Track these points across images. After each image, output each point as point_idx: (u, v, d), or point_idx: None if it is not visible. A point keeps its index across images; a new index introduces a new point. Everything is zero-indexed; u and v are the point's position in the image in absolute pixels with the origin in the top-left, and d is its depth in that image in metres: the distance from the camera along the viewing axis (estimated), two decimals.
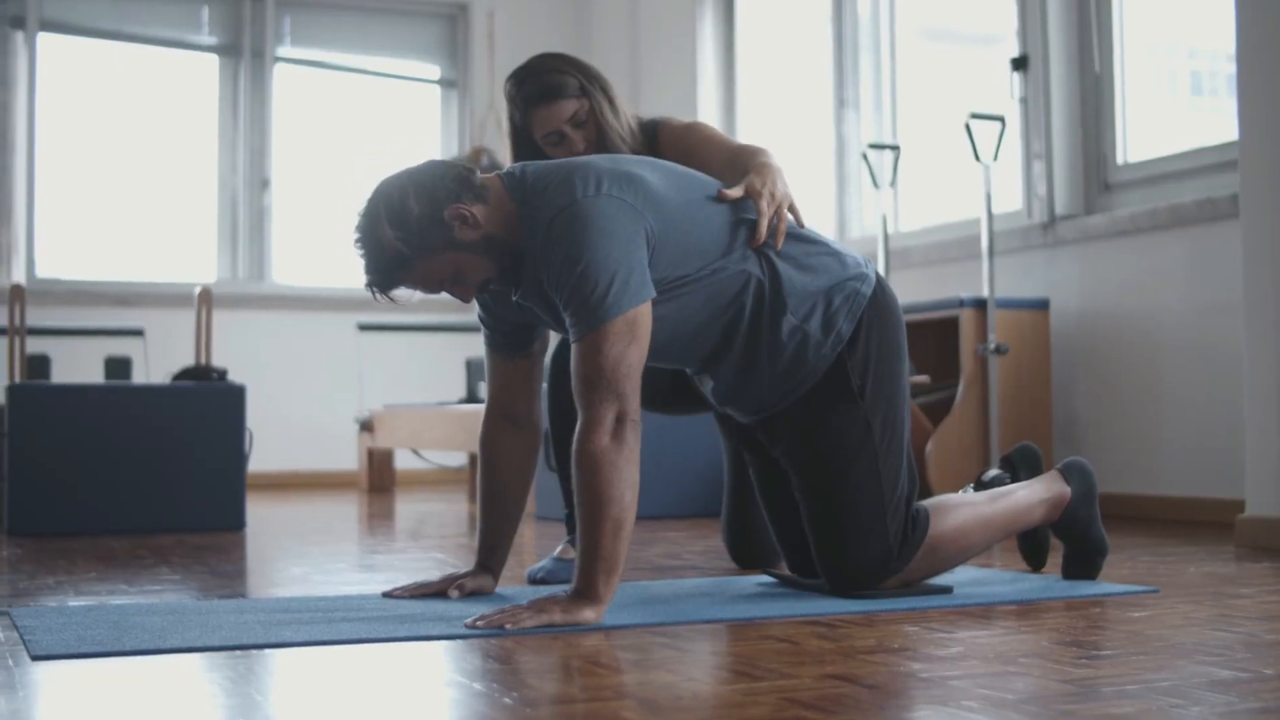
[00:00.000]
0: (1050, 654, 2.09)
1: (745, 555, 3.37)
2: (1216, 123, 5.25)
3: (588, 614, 2.40)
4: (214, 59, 7.82)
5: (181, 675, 2.03)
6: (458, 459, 7.71)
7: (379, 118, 8.13)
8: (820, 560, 2.73)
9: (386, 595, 2.81)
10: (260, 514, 5.21)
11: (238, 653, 2.18)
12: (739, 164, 2.86)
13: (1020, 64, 5.22)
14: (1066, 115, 5.12)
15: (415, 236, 2.52)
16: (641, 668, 2.01)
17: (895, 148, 5.59)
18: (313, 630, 2.36)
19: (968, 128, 4.97)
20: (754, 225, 2.66)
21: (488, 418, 2.84)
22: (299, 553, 3.89)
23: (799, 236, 2.73)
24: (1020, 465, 3.09)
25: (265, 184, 7.73)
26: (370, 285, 2.61)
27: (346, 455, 7.48)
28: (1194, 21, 5.25)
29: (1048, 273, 5.13)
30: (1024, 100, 5.22)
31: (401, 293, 2.63)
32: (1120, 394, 4.82)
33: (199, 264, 7.73)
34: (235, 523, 4.66)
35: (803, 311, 2.67)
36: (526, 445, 2.84)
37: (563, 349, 3.19)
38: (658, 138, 3.16)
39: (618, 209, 2.48)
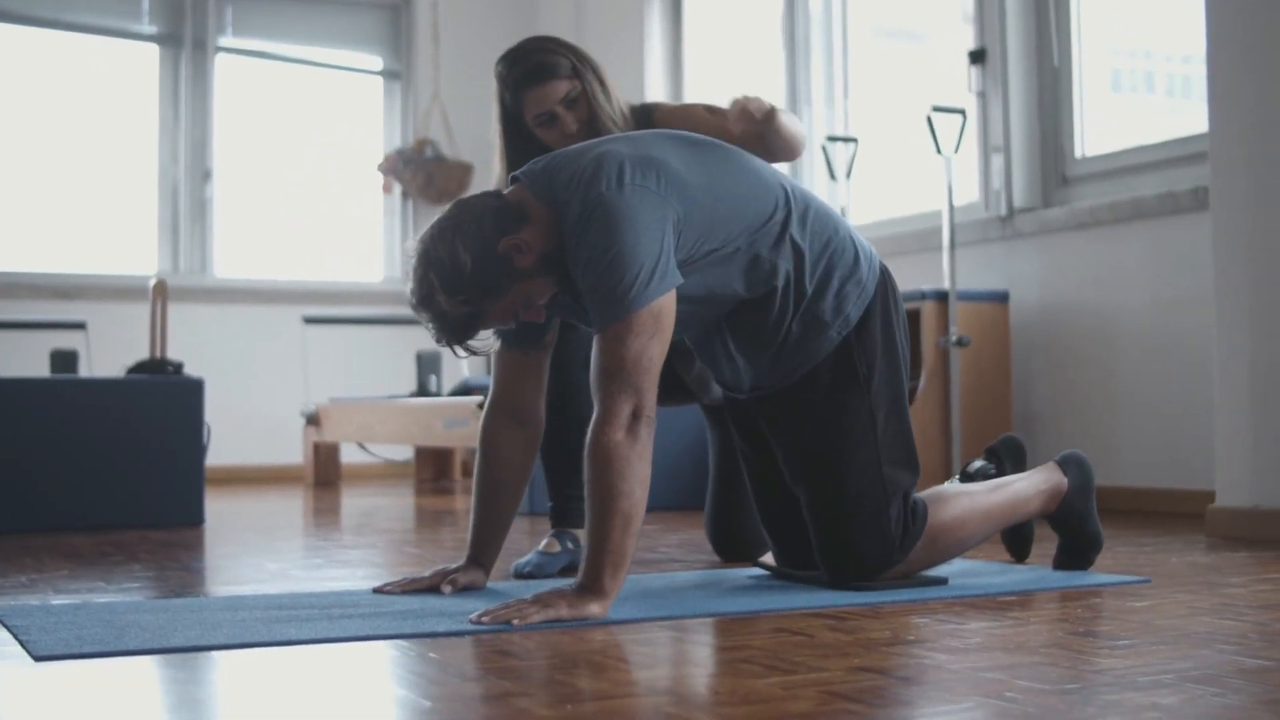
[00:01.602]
0: (1070, 644, 2.09)
1: (729, 548, 3.35)
2: (1159, 119, 5.31)
3: (594, 609, 2.37)
4: (154, 49, 7.70)
5: (191, 675, 1.98)
6: (404, 453, 7.65)
7: (322, 109, 8.05)
8: (821, 552, 2.72)
9: (378, 591, 2.77)
10: (212, 509, 5.12)
11: (244, 651, 2.13)
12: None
13: (978, 57, 5.24)
14: (1024, 108, 5.15)
15: (476, 289, 2.46)
16: (667, 663, 1.99)
17: (853, 140, 5.60)
18: (315, 628, 2.31)
19: (929, 120, 4.98)
20: (786, 205, 2.63)
21: (490, 411, 2.80)
22: (268, 548, 3.83)
23: (823, 217, 2.70)
24: (1005, 456, 3.09)
25: (207, 175, 7.63)
26: (447, 344, 2.55)
27: (290, 449, 7.39)
28: (1146, 20, 5.30)
29: (1006, 265, 5.16)
30: (981, 94, 5.25)
31: (480, 344, 2.57)
32: (1080, 386, 4.86)
33: (140, 256, 7.61)
34: (194, 518, 4.58)
35: (817, 295, 2.65)
36: (528, 441, 2.81)
37: (559, 344, 3.16)
38: (653, 121, 3.13)
39: (642, 198, 2.45)
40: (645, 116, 3.15)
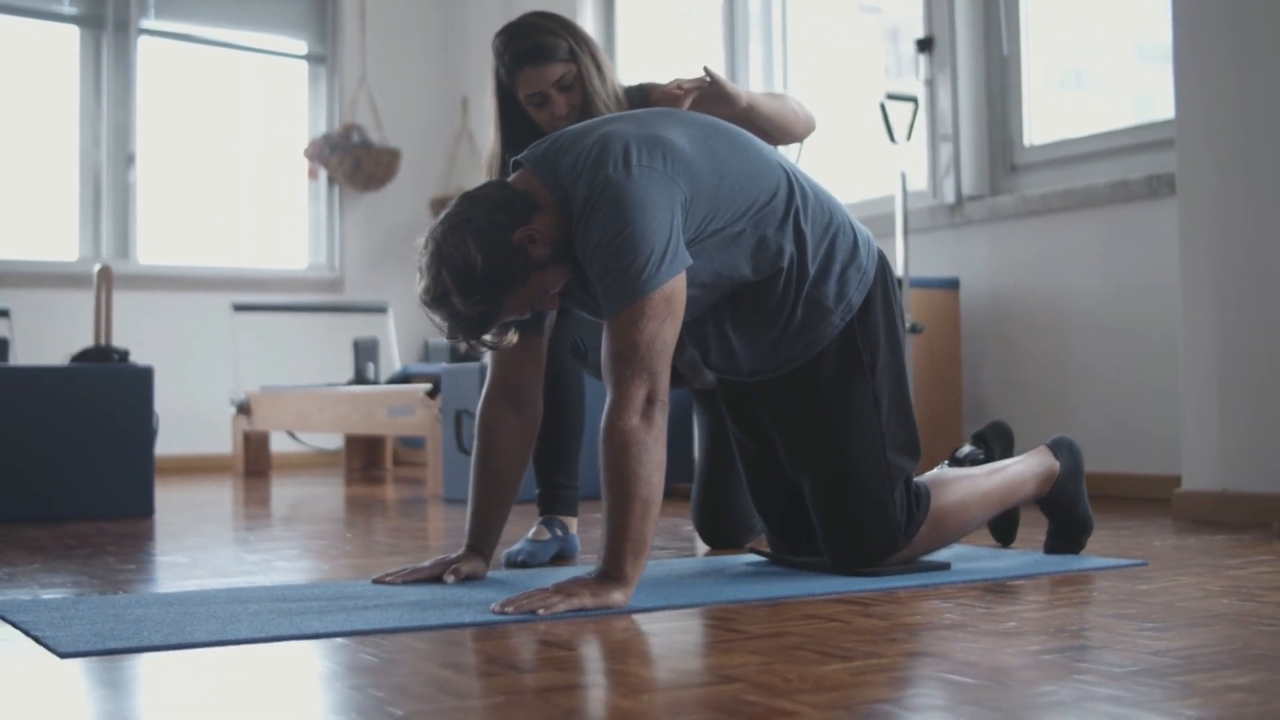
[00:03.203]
0: (1109, 627, 2.10)
1: (716, 534, 3.33)
2: (1089, 111, 5.38)
3: (617, 596, 2.35)
4: (75, 30, 7.54)
5: (233, 670, 1.92)
6: (334, 441, 7.56)
7: (247, 93, 7.92)
8: (826, 538, 2.71)
9: (377, 581, 2.72)
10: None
11: (274, 645, 2.08)
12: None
13: (925, 45, 5.27)
14: (973, 97, 5.18)
15: (493, 285, 2.41)
16: (717, 650, 1.96)
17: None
18: (336, 620, 2.26)
19: (883, 108, 5.00)
20: (789, 186, 2.62)
21: (487, 398, 2.76)
22: (235, 539, 3.77)
23: (823, 200, 2.70)
24: (994, 441, 3.11)
25: (130, 160, 7.47)
26: (463, 340, 2.50)
27: (218, 438, 7.27)
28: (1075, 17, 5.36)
29: (955, 252, 5.19)
30: (929, 81, 5.27)
31: (498, 338, 2.53)
32: (1030, 371, 4.90)
33: (61, 242, 7.44)
34: (144, 509, 4.49)
35: (819, 278, 2.64)
36: (526, 428, 2.76)
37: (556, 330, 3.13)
38: (648, 102, 3.11)
39: (650, 180, 2.42)
40: (640, 98, 3.12)
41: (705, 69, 2.97)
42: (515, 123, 3.11)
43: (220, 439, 7.25)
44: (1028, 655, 1.90)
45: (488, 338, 2.51)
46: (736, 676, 1.77)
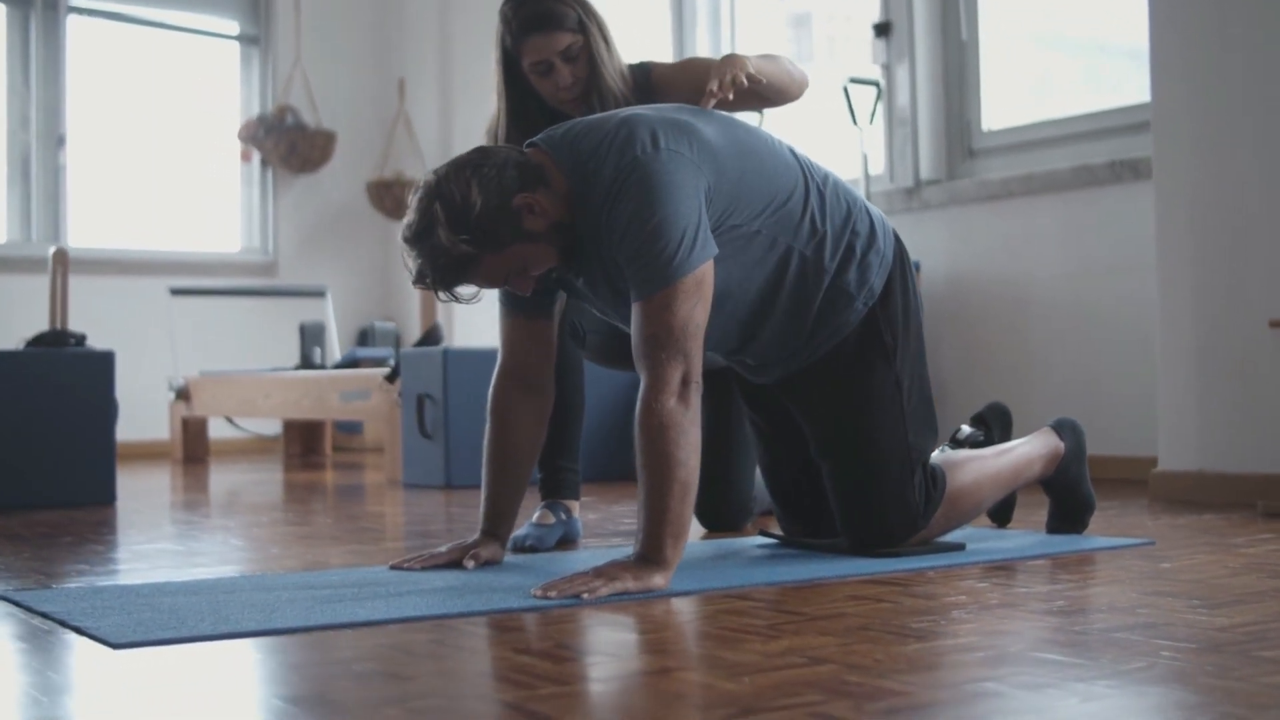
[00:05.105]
0: (1159, 605, 2.12)
1: (715, 517, 3.33)
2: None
3: (657, 580, 2.34)
4: (1, 8, 7.34)
5: (295, 658, 1.89)
6: (272, 427, 7.46)
7: (179, 73, 7.78)
8: (845, 521, 2.72)
9: (395, 567, 2.69)
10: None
11: (328, 633, 2.04)
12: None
13: (883, 30, 5.30)
14: (930, 82, 5.22)
15: (481, 233, 2.37)
16: (786, 633, 1.96)
17: (760, 112, 5.61)
18: (379, 606, 2.23)
19: (845, 91, 5.02)
20: (805, 187, 2.62)
21: (499, 381, 2.73)
22: (217, 525, 3.70)
23: (841, 189, 2.70)
24: (994, 423, 3.14)
25: (60, 141, 7.32)
26: (429, 285, 2.44)
27: (154, 425, 7.15)
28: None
29: (913, 236, 5.22)
30: (886, 66, 5.30)
31: (466, 290, 2.48)
32: (990, 356, 4.95)
33: None
34: (106, 496, 4.40)
35: (842, 268, 2.65)
36: (539, 410, 2.74)
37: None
38: (650, 81, 3.09)
39: (678, 163, 2.41)
40: (643, 76, 3.10)
41: (743, 76, 2.85)
42: (519, 94, 3.08)
43: (156, 425, 7.13)
44: (1098, 633, 1.91)
45: (459, 290, 2.47)
46: (823, 658, 1.76)
